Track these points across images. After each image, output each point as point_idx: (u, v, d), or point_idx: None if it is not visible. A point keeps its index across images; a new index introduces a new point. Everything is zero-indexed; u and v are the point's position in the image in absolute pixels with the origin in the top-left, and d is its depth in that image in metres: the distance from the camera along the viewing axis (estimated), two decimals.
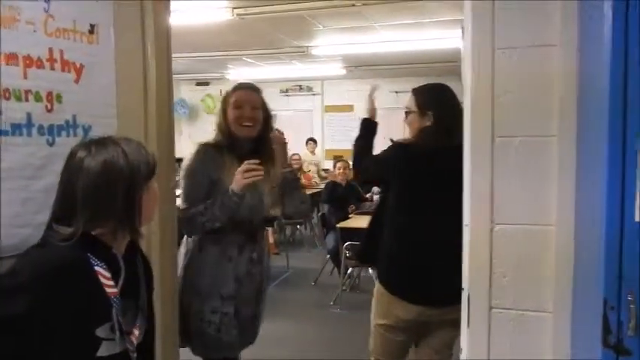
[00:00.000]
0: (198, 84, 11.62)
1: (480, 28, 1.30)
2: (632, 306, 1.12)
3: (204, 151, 2.24)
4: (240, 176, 2.04)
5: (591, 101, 1.24)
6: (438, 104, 2.19)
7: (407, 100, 2.31)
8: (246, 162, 2.05)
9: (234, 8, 5.17)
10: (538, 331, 1.33)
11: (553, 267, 1.30)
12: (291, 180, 2.36)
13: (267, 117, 2.28)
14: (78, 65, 1.72)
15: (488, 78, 1.32)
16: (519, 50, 1.30)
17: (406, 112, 2.29)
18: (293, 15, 5.35)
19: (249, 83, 2.32)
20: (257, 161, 2.05)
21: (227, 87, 8.53)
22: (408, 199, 2.17)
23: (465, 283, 1.41)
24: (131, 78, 1.89)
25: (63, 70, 1.67)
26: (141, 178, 1.29)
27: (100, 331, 1.25)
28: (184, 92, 11.76)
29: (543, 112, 1.31)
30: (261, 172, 2.05)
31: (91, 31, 1.77)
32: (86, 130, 1.75)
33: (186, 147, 9.22)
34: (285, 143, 2.33)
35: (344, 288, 5.23)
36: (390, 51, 7.23)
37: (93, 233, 1.27)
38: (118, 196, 1.25)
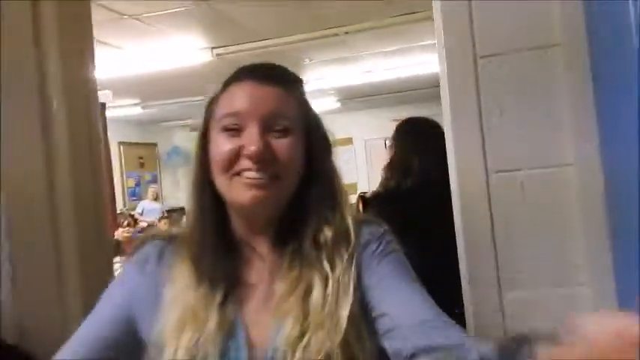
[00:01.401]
0: (193, 129, 11.38)
1: (455, 31, 0.99)
2: None
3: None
4: None
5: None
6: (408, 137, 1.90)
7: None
8: None
9: (213, 48, 4.96)
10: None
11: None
12: None
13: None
14: None
15: (471, 92, 1.00)
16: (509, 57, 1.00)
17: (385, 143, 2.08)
18: (276, 51, 5.13)
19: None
20: None
21: None
22: None
23: None
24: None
25: None
26: None
27: None
28: (179, 139, 11.54)
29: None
30: None
31: None
32: None
33: (185, 196, 8.96)
34: None
35: None
36: (381, 80, 6.99)
37: None
38: None
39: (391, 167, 1.95)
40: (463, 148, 1.03)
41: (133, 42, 4.72)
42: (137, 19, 4.13)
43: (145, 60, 5.12)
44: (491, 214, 1.01)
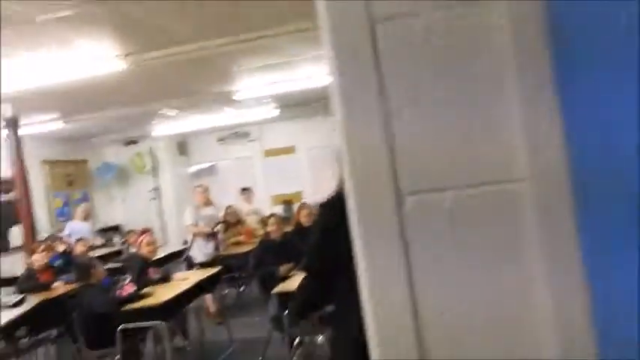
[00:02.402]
0: (127, 143, 10.79)
1: None
2: None
3: None
4: None
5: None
6: None
7: None
8: None
9: (126, 55, 4.50)
10: None
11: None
12: None
13: None
14: None
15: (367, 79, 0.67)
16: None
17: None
18: (201, 57, 4.73)
19: None
20: None
21: (157, 144, 7.88)
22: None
23: None
24: None
25: None
26: None
27: None
28: (110, 154, 10.87)
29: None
30: None
31: None
32: None
33: (120, 213, 8.33)
34: None
35: None
36: (319, 85, 6.67)
37: None
38: None
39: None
40: (361, 163, 0.69)
41: (30, 49, 4.21)
42: (31, 23, 3.65)
43: (52, 70, 4.61)
44: (406, 256, 0.68)
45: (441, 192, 0.69)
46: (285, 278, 4.59)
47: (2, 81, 4.66)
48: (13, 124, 6.43)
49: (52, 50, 4.26)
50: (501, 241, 0.68)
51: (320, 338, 4.33)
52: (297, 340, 4.45)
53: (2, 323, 3.22)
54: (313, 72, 6.13)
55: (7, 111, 4.31)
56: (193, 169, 11.47)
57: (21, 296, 3.70)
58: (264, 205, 9.50)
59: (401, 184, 0.69)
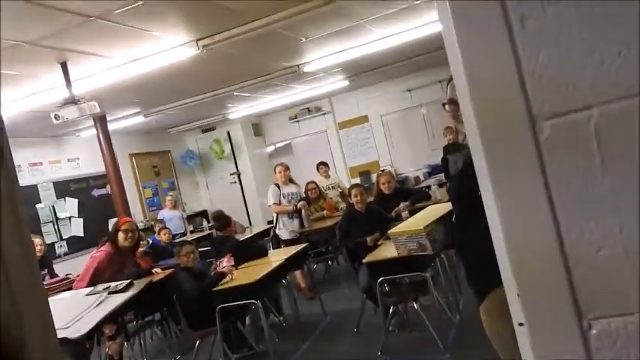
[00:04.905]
0: (204, 131, 11.10)
1: None
2: None
3: None
4: None
5: None
6: None
7: (447, 91, 1.96)
8: None
9: (198, 40, 4.55)
10: None
11: None
12: None
13: None
14: None
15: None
16: None
17: (443, 104, 1.93)
18: (266, 33, 4.69)
19: None
20: None
21: (233, 128, 8.06)
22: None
23: None
24: None
25: None
26: None
27: None
28: (191, 142, 11.25)
29: None
30: None
31: None
32: None
33: (205, 199, 8.65)
34: None
35: (391, 329, 4.42)
36: (387, 47, 6.47)
37: None
38: None
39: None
40: (484, 84, 0.59)
41: (109, 47, 4.35)
42: (108, 19, 3.76)
43: (130, 64, 4.76)
44: (546, 184, 0.59)
45: (585, 111, 0.58)
46: (373, 248, 4.53)
47: (89, 80, 4.88)
48: (102, 120, 6.76)
49: (129, 44, 4.37)
50: None
51: (414, 304, 4.25)
52: (391, 309, 4.42)
53: (112, 308, 3.40)
54: (377, 34, 5.95)
55: (95, 108, 4.48)
56: (270, 149, 11.62)
57: (128, 281, 3.89)
58: (342, 177, 9.47)
59: (533, 108, 0.59)
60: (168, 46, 4.58)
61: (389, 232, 3.85)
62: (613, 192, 0.58)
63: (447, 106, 1.86)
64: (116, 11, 3.68)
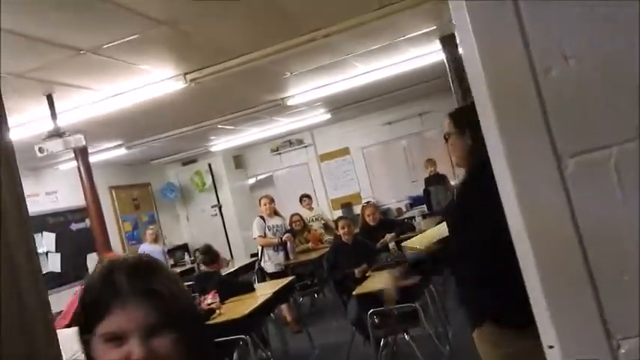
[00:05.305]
0: (185, 163, 11.08)
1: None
2: None
3: None
4: None
5: None
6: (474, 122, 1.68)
7: (445, 125, 2.22)
8: None
9: (186, 74, 4.61)
10: None
11: None
12: None
13: None
14: None
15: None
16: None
17: (445, 137, 2.19)
18: (251, 68, 4.77)
19: None
20: None
21: (215, 160, 8.07)
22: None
23: None
24: None
25: None
26: None
27: None
28: (171, 175, 11.20)
29: None
30: None
31: None
32: None
33: (186, 232, 8.59)
34: None
35: None
36: (370, 82, 6.62)
37: None
38: None
39: (472, 153, 2.03)
40: (511, 126, 0.65)
41: (97, 81, 4.38)
42: (98, 53, 3.80)
43: (117, 97, 4.78)
44: (574, 221, 0.64)
45: (604, 150, 0.64)
46: (361, 280, 4.55)
47: (74, 113, 4.88)
48: (83, 153, 6.69)
49: (117, 77, 4.41)
50: None
51: (405, 336, 4.26)
52: (382, 341, 4.41)
53: None
54: (360, 69, 6.10)
55: (81, 141, 4.47)
56: (252, 181, 11.63)
57: None
58: (324, 209, 9.51)
59: (558, 146, 0.65)
60: (156, 80, 4.62)
61: (403, 244, 3.90)
62: (633, 220, 0.63)
63: (449, 140, 1.98)
64: (105, 46, 3.73)
